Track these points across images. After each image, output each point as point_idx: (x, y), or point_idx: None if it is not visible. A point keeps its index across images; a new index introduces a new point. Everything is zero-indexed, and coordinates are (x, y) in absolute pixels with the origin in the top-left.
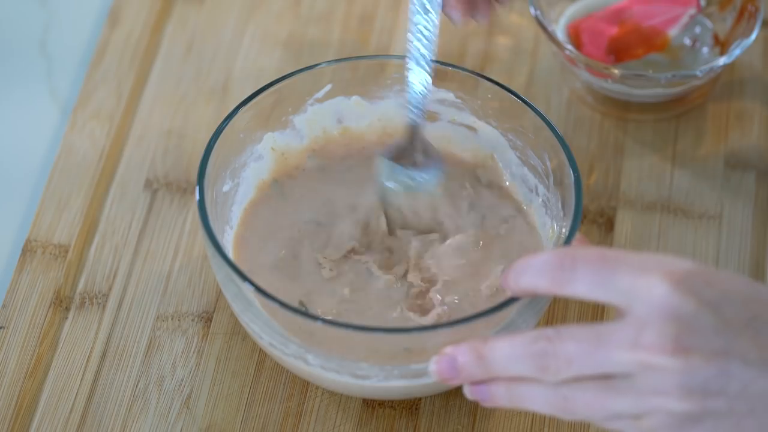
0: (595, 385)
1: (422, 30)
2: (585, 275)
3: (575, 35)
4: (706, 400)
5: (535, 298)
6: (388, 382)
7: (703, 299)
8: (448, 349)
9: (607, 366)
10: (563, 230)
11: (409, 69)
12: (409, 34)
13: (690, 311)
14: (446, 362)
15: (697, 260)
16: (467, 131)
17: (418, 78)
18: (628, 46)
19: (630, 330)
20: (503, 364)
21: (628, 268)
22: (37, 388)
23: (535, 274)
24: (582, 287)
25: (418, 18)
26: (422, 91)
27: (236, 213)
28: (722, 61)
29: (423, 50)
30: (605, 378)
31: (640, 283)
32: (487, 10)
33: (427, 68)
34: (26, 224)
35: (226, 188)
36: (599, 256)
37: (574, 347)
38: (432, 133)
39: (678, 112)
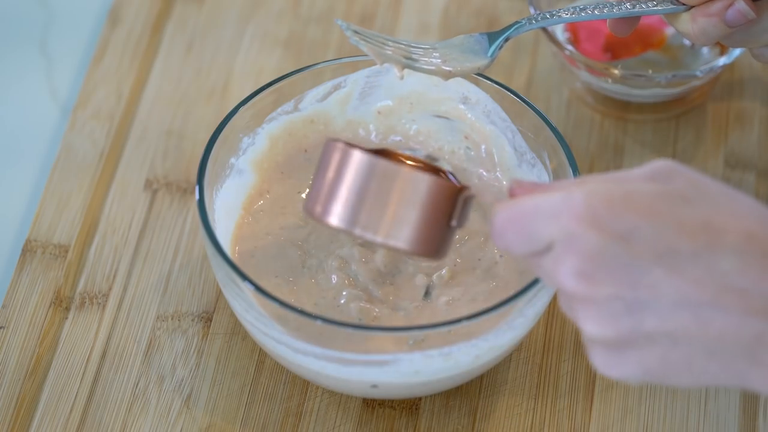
0: None
1: None
2: (513, 239)
3: (573, 31)
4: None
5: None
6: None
7: (610, 231)
8: None
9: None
10: None
11: None
12: None
13: (596, 244)
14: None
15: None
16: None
17: None
18: (624, 43)
19: (548, 263)
20: None
21: (543, 218)
22: (37, 388)
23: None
24: (517, 250)
25: None
26: None
27: (236, 213)
28: (722, 61)
29: None
30: None
31: (555, 229)
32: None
33: None
34: (26, 224)
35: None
36: (517, 214)
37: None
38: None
39: (678, 112)
